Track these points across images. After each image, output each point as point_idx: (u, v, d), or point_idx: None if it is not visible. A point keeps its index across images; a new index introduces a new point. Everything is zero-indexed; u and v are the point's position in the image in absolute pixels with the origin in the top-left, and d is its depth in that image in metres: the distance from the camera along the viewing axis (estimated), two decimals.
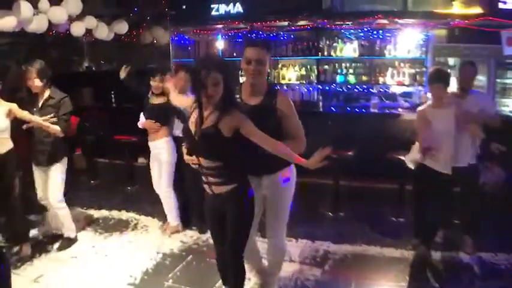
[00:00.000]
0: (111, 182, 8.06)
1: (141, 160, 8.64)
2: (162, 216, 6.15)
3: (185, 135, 3.56)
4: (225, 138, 3.20)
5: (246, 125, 3.21)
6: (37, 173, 5.19)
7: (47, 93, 4.92)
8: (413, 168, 5.02)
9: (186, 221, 5.94)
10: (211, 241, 5.40)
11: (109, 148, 8.47)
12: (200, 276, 4.70)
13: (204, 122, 3.27)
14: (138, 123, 5.77)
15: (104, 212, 6.57)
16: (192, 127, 3.34)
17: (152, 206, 6.56)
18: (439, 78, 4.77)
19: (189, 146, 3.44)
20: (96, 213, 6.52)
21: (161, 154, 5.68)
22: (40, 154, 5.02)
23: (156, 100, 5.67)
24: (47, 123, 4.71)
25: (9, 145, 4.85)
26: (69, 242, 5.35)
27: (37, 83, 4.84)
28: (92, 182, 8.12)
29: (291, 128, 3.55)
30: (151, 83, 5.64)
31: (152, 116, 5.65)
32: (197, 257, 5.16)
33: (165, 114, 5.60)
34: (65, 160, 5.17)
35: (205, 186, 3.45)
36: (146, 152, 7.59)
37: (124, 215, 6.48)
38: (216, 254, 3.80)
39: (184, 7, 9.45)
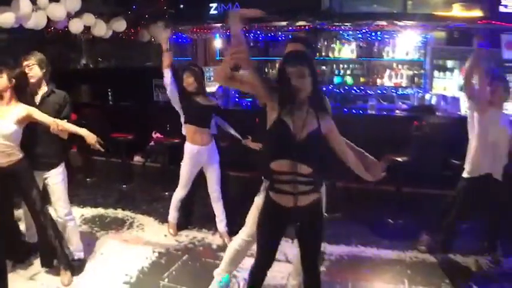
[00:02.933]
0: (107, 180, 8.04)
1: (137, 158, 8.65)
2: (157, 215, 6.17)
3: (277, 138, 3.09)
4: (324, 141, 3.08)
5: (336, 131, 3.14)
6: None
7: (45, 88, 4.52)
8: None
9: (184, 220, 5.94)
10: (207, 240, 5.54)
11: (106, 146, 8.45)
12: (196, 275, 4.70)
13: (304, 123, 3.01)
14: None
15: (100, 210, 6.55)
16: (292, 129, 3.00)
17: (148, 205, 6.59)
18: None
19: (281, 150, 3.06)
20: (92, 211, 6.50)
21: (216, 156, 5.52)
22: (39, 157, 4.46)
23: (203, 100, 5.37)
24: (77, 128, 4.33)
25: (16, 155, 4.18)
26: (80, 265, 4.81)
27: (36, 71, 4.40)
28: (88, 179, 8.09)
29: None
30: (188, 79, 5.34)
31: (206, 119, 5.43)
32: (193, 256, 5.16)
33: (211, 117, 5.50)
34: (63, 164, 4.70)
35: (286, 197, 3.09)
36: (142, 150, 7.64)
37: (120, 213, 6.47)
38: (259, 270, 3.47)
39: (182, 6, 9.46)
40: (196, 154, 5.31)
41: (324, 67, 9.47)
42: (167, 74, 5.23)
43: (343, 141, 3.22)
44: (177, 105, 5.35)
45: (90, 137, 4.35)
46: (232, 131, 5.54)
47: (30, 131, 4.33)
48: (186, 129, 5.37)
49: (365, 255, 5.29)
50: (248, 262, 3.88)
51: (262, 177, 3.69)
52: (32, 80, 4.43)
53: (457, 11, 8.11)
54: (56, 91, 4.60)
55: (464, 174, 4.90)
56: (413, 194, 6.61)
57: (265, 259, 3.39)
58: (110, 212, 6.52)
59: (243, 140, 5.35)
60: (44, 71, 4.49)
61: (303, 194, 3.08)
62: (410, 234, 5.58)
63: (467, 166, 4.88)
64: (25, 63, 4.39)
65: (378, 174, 3.39)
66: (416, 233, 5.49)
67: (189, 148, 5.34)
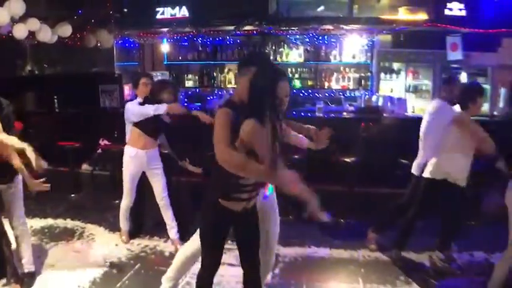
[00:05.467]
0: (55, 189, 7.75)
1: (85, 166, 8.47)
2: (108, 224, 6.10)
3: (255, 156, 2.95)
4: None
5: (286, 127, 3.37)
6: None
7: None
8: None
9: (135, 228, 5.88)
10: (159, 248, 5.50)
11: (53, 154, 8.26)
12: (149, 284, 4.63)
13: (273, 137, 2.93)
14: None
15: (49, 221, 6.42)
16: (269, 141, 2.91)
17: (98, 214, 6.51)
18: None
19: (263, 161, 2.90)
20: (41, 222, 6.36)
21: (157, 162, 5.45)
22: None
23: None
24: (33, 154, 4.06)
25: None
26: (31, 279, 4.63)
27: None
28: None
29: None
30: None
31: (160, 130, 5.41)
32: (145, 265, 5.12)
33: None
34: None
35: (239, 203, 3.15)
36: (90, 158, 7.48)
37: (69, 223, 6.35)
38: (206, 276, 3.44)
39: (126, 10, 9.33)
40: (135, 157, 5.25)
41: None
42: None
43: (291, 130, 3.40)
44: (136, 119, 5.20)
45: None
46: (170, 151, 5.53)
47: None
48: (131, 132, 5.29)
49: (318, 256, 5.38)
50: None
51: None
52: None
53: (403, 15, 8.32)
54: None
55: (427, 175, 4.99)
56: (363, 194, 6.72)
57: (213, 265, 3.41)
58: (60, 222, 6.39)
59: (180, 161, 5.34)
60: None
61: (254, 198, 3.22)
62: (362, 234, 5.68)
63: (433, 167, 4.95)
64: None
65: (324, 142, 3.59)
66: (368, 232, 5.60)
67: (128, 151, 5.29)
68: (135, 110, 5.15)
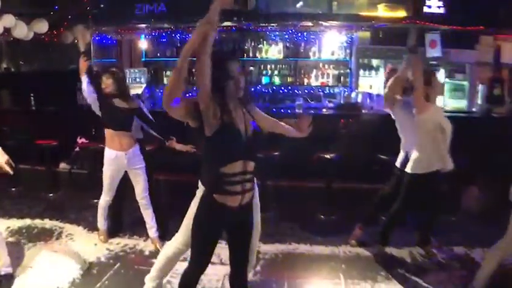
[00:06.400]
0: (32, 188, 7.74)
1: (62, 165, 8.39)
2: (87, 224, 6.03)
3: (229, 143, 2.98)
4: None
5: (261, 113, 3.32)
6: None
7: None
8: None
9: (114, 228, 5.82)
10: (138, 247, 5.46)
11: (30, 153, 8.16)
12: (129, 284, 4.61)
13: (246, 123, 3.04)
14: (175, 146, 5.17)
15: (27, 221, 6.28)
16: (241, 130, 2.99)
17: (76, 213, 6.43)
18: None
19: (235, 153, 2.99)
20: (18, 223, 6.23)
21: (138, 162, 5.36)
22: None
23: (122, 103, 5.20)
24: None
25: None
26: (9, 281, 4.53)
27: None
28: (13, 189, 7.76)
29: None
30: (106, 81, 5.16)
31: (124, 123, 5.24)
32: (125, 264, 5.06)
33: (132, 120, 5.31)
34: None
35: (233, 197, 3.06)
36: (68, 157, 7.39)
37: (48, 223, 6.24)
38: (194, 274, 3.38)
39: (103, 6, 9.21)
40: (115, 159, 5.18)
41: (251, 67, 9.53)
42: (84, 80, 5.14)
43: (269, 117, 3.38)
44: (97, 110, 5.24)
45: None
46: (154, 133, 5.34)
47: None
48: (105, 133, 5.23)
49: (299, 252, 5.38)
50: (182, 267, 3.83)
51: (200, 184, 3.58)
52: None
53: (382, 11, 8.38)
54: None
55: (410, 170, 4.98)
56: (343, 190, 6.78)
57: (202, 264, 3.33)
58: (38, 222, 6.27)
59: (166, 141, 5.15)
60: None
61: (248, 192, 3.11)
62: (343, 229, 5.74)
63: (416, 163, 4.94)
64: None
65: (306, 129, 3.57)
66: (349, 228, 5.64)
67: (107, 153, 5.22)
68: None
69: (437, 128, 4.78)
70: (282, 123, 3.54)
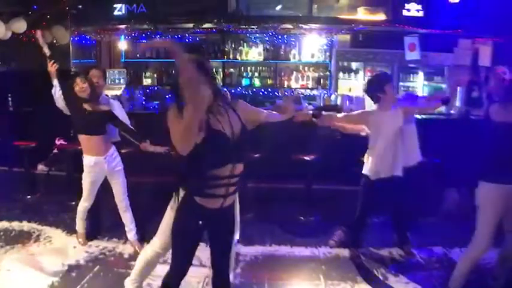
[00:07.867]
0: (10, 190, 7.63)
1: (40, 167, 8.31)
2: (65, 226, 5.98)
3: (216, 148, 2.90)
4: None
5: (245, 104, 3.23)
6: None
7: None
8: None
9: (93, 230, 5.78)
10: (118, 250, 5.43)
11: (7, 155, 8.07)
12: (109, 286, 4.59)
13: (231, 124, 2.96)
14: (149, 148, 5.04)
15: (4, 224, 6.20)
16: (227, 134, 2.93)
17: (55, 216, 6.39)
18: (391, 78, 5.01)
19: (223, 157, 2.94)
20: None
21: (118, 164, 5.33)
22: None
23: (92, 106, 5.14)
24: None
25: None
26: None
27: None
28: None
29: None
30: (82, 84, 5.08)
31: (98, 127, 5.16)
32: (104, 267, 5.03)
33: (105, 123, 5.24)
34: None
35: (215, 200, 3.03)
36: (46, 159, 7.31)
37: (26, 225, 6.17)
38: (175, 276, 3.35)
39: (82, 6, 9.13)
40: (94, 166, 5.12)
41: (232, 69, 9.55)
42: (56, 85, 5.17)
43: (251, 109, 3.31)
44: (61, 105, 5.25)
45: None
46: (128, 136, 5.26)
47: None
48: (80, 140, 5.15)
49: (279, 254, 5.40)
50: (161, 269, 3.83)
51: (180, 187, 3.53)
52: None
53: (362, 15, 8.45)
54: None
55: (365, 172, 5.12)
56: (322, 191, 6.84)
57: (183, 266, 3.31)
58: (15, 225, 6.19)
59: (140, 144, 5.03)
60: None
61: (232, 195, 3.08)
62: (322, 231, 5.80)
63: (371, 166, 5.05)
64: None
65: (291, 110, 3.64)
66: (328, 229, 5.70)
67: (86, 160, 5.14)
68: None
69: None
70: (265, 110, 3.49)
